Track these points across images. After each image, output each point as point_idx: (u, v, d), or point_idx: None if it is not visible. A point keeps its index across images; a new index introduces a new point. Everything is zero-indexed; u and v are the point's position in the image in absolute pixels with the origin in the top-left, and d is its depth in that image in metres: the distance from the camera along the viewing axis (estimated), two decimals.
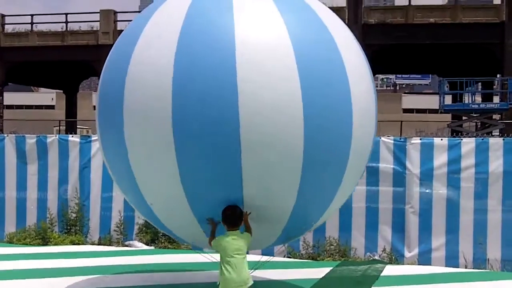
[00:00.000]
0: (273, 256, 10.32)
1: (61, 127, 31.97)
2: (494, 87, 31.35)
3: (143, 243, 12.28)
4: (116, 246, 12.26)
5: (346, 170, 6.69)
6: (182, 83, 6.06)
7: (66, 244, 12.20)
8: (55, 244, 12.20)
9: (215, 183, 6.19)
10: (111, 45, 7.70)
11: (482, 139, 11.38)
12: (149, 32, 6.52)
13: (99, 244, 12.51)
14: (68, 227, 12.71)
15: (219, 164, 6.11)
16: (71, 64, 35.29)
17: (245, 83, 5.99)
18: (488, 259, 10.79)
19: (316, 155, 6.27)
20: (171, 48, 6.20)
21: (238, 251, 6.13)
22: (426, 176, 11.13)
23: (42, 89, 71.80)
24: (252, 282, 6.26)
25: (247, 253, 6.35)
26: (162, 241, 12.10)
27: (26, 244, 12.28)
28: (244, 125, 5.96)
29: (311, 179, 6.35)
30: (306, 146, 6.18)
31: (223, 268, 6.15)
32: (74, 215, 12.73)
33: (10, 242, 12.56)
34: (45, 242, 12.33)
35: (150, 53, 6.32)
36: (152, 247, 12.13)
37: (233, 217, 6.22)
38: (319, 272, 9.89)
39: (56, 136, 13.40)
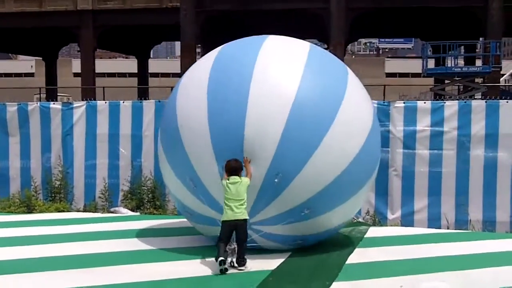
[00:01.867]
0: None
1: (41, 94, 31.63)
2: (476, 50, 31.45)
3: (129, 209, 12.31)
4: (102, 213, 12.28)
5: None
6: None
7: (51, 212, 12.19)
8: (40, 212, 12.19)
9: None
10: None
11: (465, 102, 11.46)
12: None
13: (84, 211, 12.53)
14: (53, 195, 12.69)
15: None
16: (50, 30, 34.75)
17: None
18: (470, 220, 10.95)
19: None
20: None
21: (236, 192, 7.45)
22: (410, 139, 11.22)
23: (21, 57, 70.90)
24: (248, 217, 7.51)
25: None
26: (148, 207, 12.14)
27: (10, 212, 12.25)
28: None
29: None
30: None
31: (224, 205, 7.48)
32: (58, 182, 12.71)
33: None
34: (30, 210, 12.31)
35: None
36: (138, 213, 12.16)
37: (235, 168, 7.51)
38: None
39: (37, 103, 13.29)
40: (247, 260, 7.56)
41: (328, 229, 8.54)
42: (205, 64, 8.40)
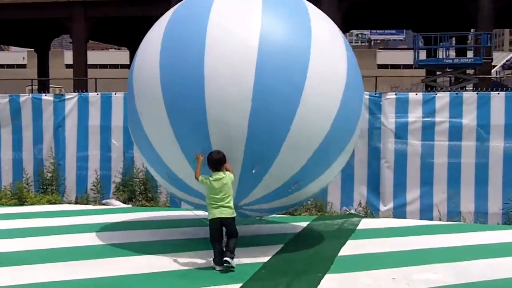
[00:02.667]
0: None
1: (33, 86, 31.46)
2: (468, 42, 31.46)
3: (120, 201, 12.29)
4: (93, 205, 12.26)
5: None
6: None
7: (43, 204, 12.16)
8: (32, 204, 12.15)
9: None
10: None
11: (456, 93, 11.48)
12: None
13: (76, 203, 12.49)
14: (44, 187, 12.65)
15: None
16: (42, 21, 34.55)
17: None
18: (461, 211, 10.99)
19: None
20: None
21: (221, 189, 7.14)
22: (401, 131, 11.23)
23: (13, 48, 70.50)
24: (235, 215, 7.26)
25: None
26: (140, 199, 12.12)
27: (2, 205, 12.20)
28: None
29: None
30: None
31: (209, 203, 7.19)
32: (50, 174, 12.66)
33: None
34: (21, 202, 12.27)
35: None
36: (130, 205, 12.14)
37: (218, 160, 7.16)
38: (296, 226, 10.02)
39: (29, 95, 13.23)
40: (235, 255, 7.30)
41: (310, 197, 8.68)
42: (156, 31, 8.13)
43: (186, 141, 7.40)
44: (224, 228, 7.30)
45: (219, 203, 7.16)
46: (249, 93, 7.12)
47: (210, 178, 7.19)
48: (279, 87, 7.19)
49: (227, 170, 7.24)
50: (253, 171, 7.40)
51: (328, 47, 7.78)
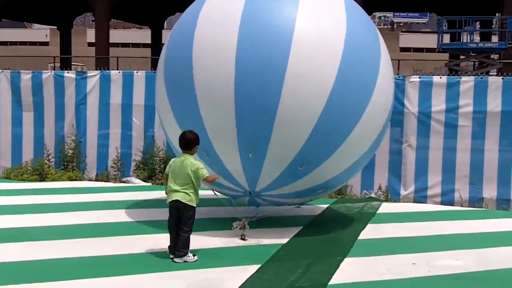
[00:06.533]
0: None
1: (55, 64, 31.56)
2: (493, 26, 30.99)
3: (140, 179, 12.32)
4: (114, 183, 12.30)
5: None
6: None
7: (64, 180, 12.23)
8: (53, 180, 12.23)
9: None
10: None
11: (481, 78, 11.30)
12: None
13: (96, 180, 12.55)
14: (65, 164, 12.71)
15: None
16: None
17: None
18: (483, 197, 10.87)
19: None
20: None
21: (183, 171, 6.78)
22: (424, 115, 11.10)
23: (36, 25, 70.73)
24: (195, 205, 6.87)
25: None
26: (159, 177, 12.13)
27: (23, 180, 12.30)
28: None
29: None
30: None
31: (169, 184, 6.88)
32: (71, 151, 12.72)
33: (7, 178, 12.58)
34: (42, 178, 12.35)
35: None
36: (149, 184, 12.17)
37: (184, 141, 6.93)
38: (315, 209, 9.97)
39: (51, 72, 13.25)
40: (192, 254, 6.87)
41: (332, 183, 8.36)
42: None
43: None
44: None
45: (178, 187, 6.83)
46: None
47: (177, 159, 6.99)
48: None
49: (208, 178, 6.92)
50: (250, 156, 7.37)
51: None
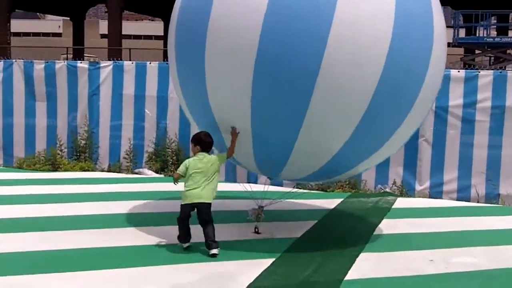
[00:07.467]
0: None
1: (68, 55, 31.60)
2: (509, 20, 30.69)
3: (153, 171, 12.26)
4: (126, 174, 12.25)
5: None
6: None
7: (76, 171, 12.19)
8: (65, 170, 12.19)
9: None
10: None
11: (500, 72, 11.12)
12: None
13: (108, 171, 12.50)
14: (78, 154, 12.68)
15: None
16: None
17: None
18: (500, 194, 10.70)
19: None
20: None
21: (199, 169, 6.71)
22: (441, 109, 10.93)
23: (49, 16, 70.93)
24: (211, 201, 6.79)
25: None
26: (172, 169, 12.05)
27: (36, 170, 12.27)
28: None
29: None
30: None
31: (186, 183, 6.77)
32: (83, 142, 12.68)
33: (20, 167, 12.55)
34: (54, 168, 12.32)
35: None
36: (162, 175, 12.11)
37: (205, 144, 6.87)
38: (329, 203, 9.84)
39: (64, 62, 13.20)
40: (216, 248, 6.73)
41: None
42: None
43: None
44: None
45: (202, 186, 6.78)
46: None
47: (196, 158, 6.87)
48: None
49: (231, 145, 6.87)
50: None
51: None
